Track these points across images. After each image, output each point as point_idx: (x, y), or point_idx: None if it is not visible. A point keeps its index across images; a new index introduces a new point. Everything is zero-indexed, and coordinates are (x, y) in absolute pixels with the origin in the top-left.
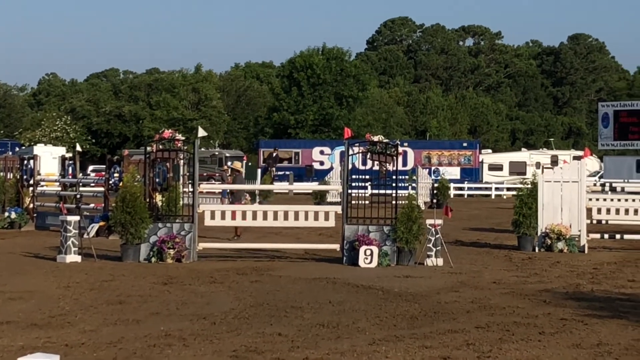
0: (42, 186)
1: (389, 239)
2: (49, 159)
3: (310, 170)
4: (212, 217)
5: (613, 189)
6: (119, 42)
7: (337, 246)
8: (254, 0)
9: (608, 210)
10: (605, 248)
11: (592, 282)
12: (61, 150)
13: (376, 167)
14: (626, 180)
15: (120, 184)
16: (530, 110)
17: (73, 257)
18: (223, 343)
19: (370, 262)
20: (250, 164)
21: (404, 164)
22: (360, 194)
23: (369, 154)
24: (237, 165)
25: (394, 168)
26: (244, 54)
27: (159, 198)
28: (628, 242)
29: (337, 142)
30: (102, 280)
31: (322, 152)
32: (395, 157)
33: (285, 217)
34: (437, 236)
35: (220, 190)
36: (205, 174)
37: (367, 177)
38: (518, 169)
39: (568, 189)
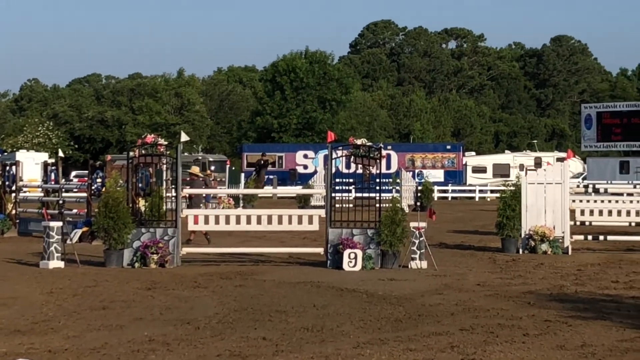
0: (25, 192)
1: (373, 242)
2: (31, 165)
3: (294, 174)
4: (196, 221)
5: (596, 191)
6: (101, 47)
7: (321, 250)
8: (236, 4)
9: (591, 212)
10: (589, 249)
11: (576, 284)
12: (43, 156)
13: (360, 171)
14: (609, 182)
15: (103, 189)
16: (514, 112)
17: (56, 263)
18: (207, 348)
19: (355, 265)
20: (233, 168)
21: (388, 167)
22: (344, 198)
23: (352, 157)
24: (195, 169)
25: (378, 171)
26: (227, 58)
27: (142, 203)
28: (611, 244)
29: (320, 146)
30: (85, 285)
31: (305, 156)
32: (378, 161)
33: (269, 221)
34: (421, 239)
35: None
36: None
37: (351, 180)
38: (502, 171)
39: (551, 190)
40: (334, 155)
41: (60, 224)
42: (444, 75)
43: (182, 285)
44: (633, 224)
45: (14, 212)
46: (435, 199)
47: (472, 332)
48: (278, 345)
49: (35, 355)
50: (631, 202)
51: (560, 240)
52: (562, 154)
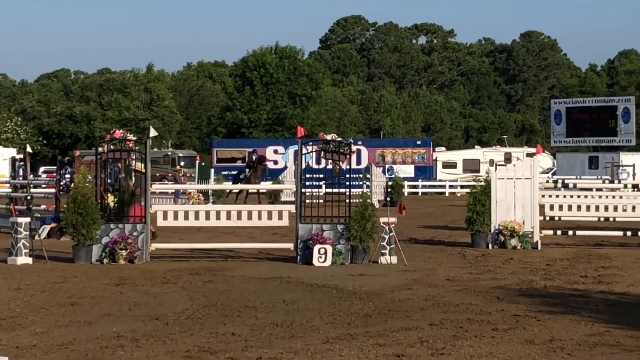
0: None
1: (343, 238)
2: None
3: (264, 169)
4: (165, 217)
5: (565, 186)
6: (70, 42)
7: (291, 245)
8: None
9: (561, 207)
10: (558, 244)
11: (545, 279)
12: (12, 152)
13: (330, 166)
14: (579, 177)
15: (72, 185)
16: (484, 107)
17: (24, 259)
18: (176, 344)
19: (324, 260)
20: (203, 163)
21: (358, 162)
22: (314, 193)
23: (322, 152)
24: (139, 166)
25: (348, 167)
26: (196, 53)
27: (111, 199)
28: (581, 238)
29: (290, 141)
30: (53, 282)
31: (275, 152)
32: (348, 156)
33: (239, 217)
34: (391, 234)
35: (173, 191)
36: (158, 174)
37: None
38: (472, 166)
39: (521, 186)
40: (304, 151)
41: (28, 219)
42: (414, 70)
43: (151, 281)
44: (602, 219)
45: None
46: (406, 194)
47: (441, 327)
48: (247, 340)
49: (3, 351)
50: (600, 197)
51: (530, 235)
52: (532, 150)
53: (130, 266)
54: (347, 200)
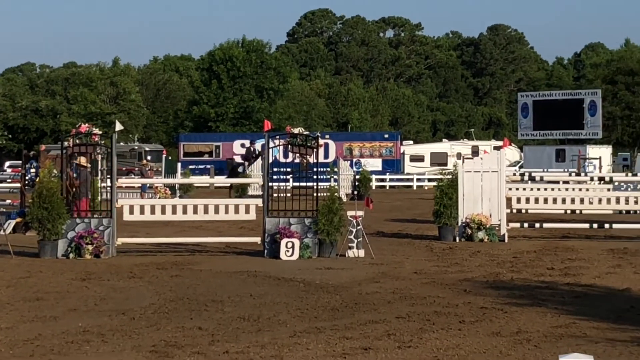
0: None
1: (311, 231)
2: None
3: (231, 163)
4: (131, 212)
5: (532, 179)
6: (35, 36)
7: (258, 239)
8: None
9: (527, 200)
10: (525, 237)
11: (512, 271)
12: None
13: (297, 160)
14: (545, 170)
15: (37, 179)
16: (451, 101)
17: None
18: (142, 338)
19: (292, 254)
20: (170, 157)
21: (326, 156)
22: (281, 187)
23: (289, 146)
24: (82, 160)
25: (315, 160)
26: (163, 47)
27: None
28: (547, 231)
29: (258, 135)
30: (19, 277)
31: (243, 145)
32: (316, 149)
33: (206, 211)
34: (358, 228)
35: (140, 185)
36: (124, 169)
37: (289, 169)
38: (439, 159)
39: (488, 178)
40: (271, 145)
41: None
42: (382, 64)
43: (117, 275)
44: (569, 212)
45: None
46: (373, 188)
47: (408, 320)
48: (214, 334)
49: None
50: (567, 189)
51: (497, 228)
52: (499, 143)
53: (96, 261)
54: (315, 194)
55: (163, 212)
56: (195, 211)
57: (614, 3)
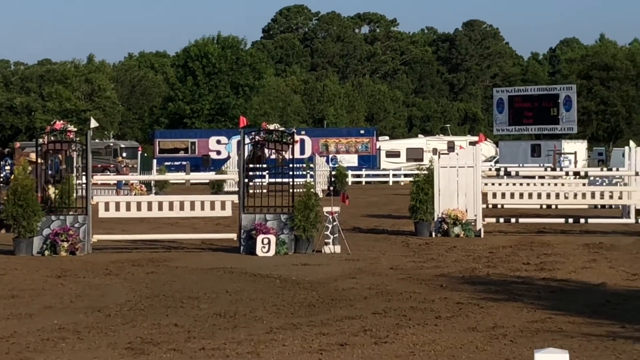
0: None
1: (287, 228)
2: None
3: (207, 160)
4: (107, 208)
5: (508, 174)
6: (9, 33)
7: (234, 235)
8: None
9: (503, 195)
10: (501, 232)
11: (488, 266)
12: None
13: (273, 156)
14: (521, 165)
15: (12, 176)
16: (427, 96)
17: None
18: (118, 335)
19: (268, 250)
20: (145, 154)
21: (302, 152)
22: (257, 183)
23: (265, 142)
24: (32, 156)
25: (291, 156)
26: (138, 43)
27: (52, 190)
28: (523, 226)
29: (233, 132)
30: None
31: (218, 142)
32: (291, 146)
33: (181, 208)
34: (334, 223)
35: (116, 182)
36: (100, 166)
37: (265, 166)
38: (415, 155)
39: (464, 174)
40: (247, 141)
41: None
42: (357, 60)
43: (93, 272)
44: (544, 207)
45: None
46: (349, 183)
47: (384, 316)
48: (190, 331)
49: None
50: (542, 184)
51: (473, 223)
52: (475, 138)
53: (71, 258)
54: (291, 190)
55: (139, 208)
56: (170, 208)
57: None
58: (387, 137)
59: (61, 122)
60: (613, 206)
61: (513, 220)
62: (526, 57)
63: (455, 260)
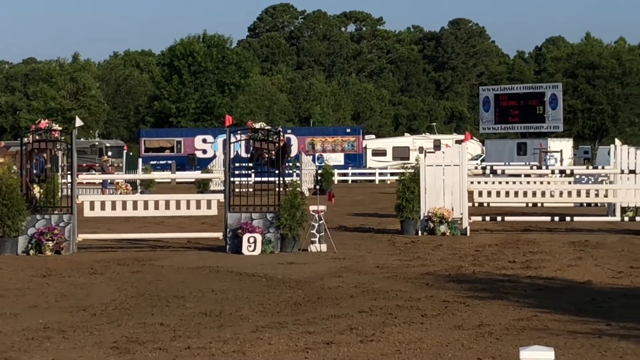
0: None
1: (273, 226)
2: None
3: (192, 158)
4: (92, 208)
5: (494, 172)
6: None
7: (220, 234)
8: None
9: (489, 193)
10: (487, 230)
11: (474, 264)
12: None
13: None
14: (507, 163)
15: None
16: (413, 95)
17: None
18: (103, 334)
19: (254, 249)
20: (131, 153)
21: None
22: (243, 182)
23: (251, 141)
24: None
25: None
26: (123, 42)
27: (37, 190)
28: (509, 224)
29: (219, 130)
30: None
31: (204, 141)
32: (278, 144)
33: (167, 207)
34: (320, 222)
35: (101, 181)
36: (85, 165)
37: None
38: (401, 154)
39: (450, 172)
40: (233, 140)
41: None
42: (344, 58)
43: (78, 272)
44: (530, 205)
45: None
46: (336, 182)
47: (371, 314)
48: (176, 330)
49: None
50: (528, 183)
51: (459, 222)
52: (461, 136)
53: (57, 257)
54: (277, 189)
55: (124, 207)
56: (156, 207)
57: None
58: (373, 136)
59: (46, 121)
60: (599, 204)
61: (499, 218)
62: (512, 55)
63: (442, 259)
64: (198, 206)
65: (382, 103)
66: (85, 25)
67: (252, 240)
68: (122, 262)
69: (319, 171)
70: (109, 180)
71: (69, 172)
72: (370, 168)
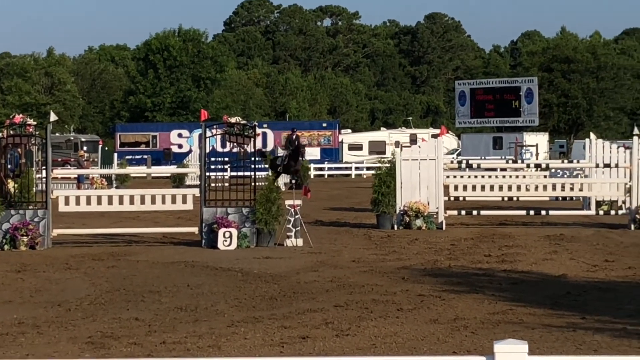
0: None
1: (248, 221)
2: None
3: (168, 153)
4: (67, 202)
5: (470, 166)
6: None
7: (195, 229)
8: None
9: (465, 187)
10: (463, 224)
11: (450, 258)
12: None
13: (235, 149)
14: (483, 157)
15: None
16: (389, 89)
17: None
18: (78, 329)
19: (230, 244)
20: (106, 148)
21: (264, 145)
22: (219, 177)
23: (227, 136)
24: None
25: (253, 149)
26: (98, 36)
27: (11, 184)
28: (485, 218)
29: (195, 125)
30: None
31: (180, 135)
32: (253, 139)
33: (142, 201)
34: (296, 217)
35: (76, 176)
36: (60, 159)
37: (227, 159)
38: (378, 148)
39: (426, 166)
40: (208, 134)
41: None
42: (320, 53)
43: (53, 267)
44: (506, 199)
45: None
46: (312, 176)
47: (346, 308)
48: (151, 325)
49: None
50: (504, 177)
51: (435, 216)
52: (437, 131)
53: (31, 252)
54: (252, 183)
55: (99, 202)
56: (131, 201)
57: None
58: (349, 130)
59: (20, 115)
60: (574, 198)
61: (475, 212)
62: (488, 49)
63: (417, 253)
64: (174, 201)
65: (358, 97)
66: (60, 19)
67: (227, 235)
68: (97, 257)
69: None
70: (84, 175)
71: (43, 167)
72: (346, 162)
